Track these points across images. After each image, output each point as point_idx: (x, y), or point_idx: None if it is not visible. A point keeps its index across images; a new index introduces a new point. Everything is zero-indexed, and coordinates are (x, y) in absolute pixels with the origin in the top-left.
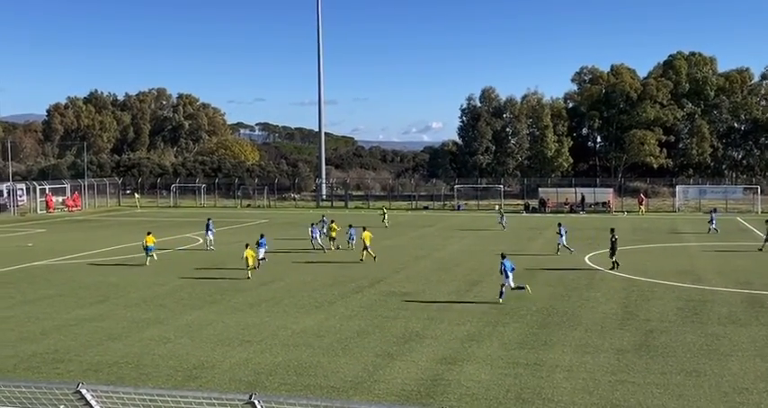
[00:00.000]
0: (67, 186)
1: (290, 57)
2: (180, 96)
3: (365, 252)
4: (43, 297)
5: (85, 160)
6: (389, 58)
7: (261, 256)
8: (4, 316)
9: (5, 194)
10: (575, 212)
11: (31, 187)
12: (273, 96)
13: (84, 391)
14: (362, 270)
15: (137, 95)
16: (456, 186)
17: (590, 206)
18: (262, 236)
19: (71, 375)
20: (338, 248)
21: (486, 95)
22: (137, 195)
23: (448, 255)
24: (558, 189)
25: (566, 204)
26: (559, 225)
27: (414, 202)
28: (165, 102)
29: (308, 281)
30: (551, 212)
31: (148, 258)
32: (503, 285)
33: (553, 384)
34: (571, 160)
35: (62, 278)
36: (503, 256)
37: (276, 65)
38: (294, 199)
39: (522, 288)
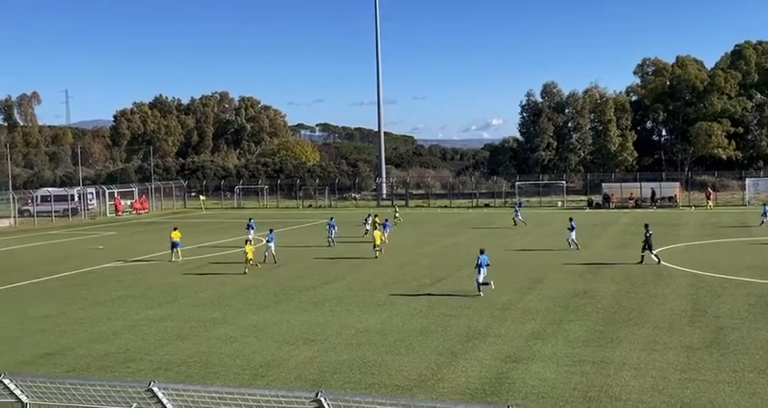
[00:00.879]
0: (135, 189)
1: (349, 58)
2: (242, 99)
3: (378, 248)
4: (114, 298)
5: (152, 164)
6: (449, 56)
7: (272, 251)
8: (77, 317)
9: (77, 198)
10: (640, 207)
11: (101, 191)
12: (333, 97)
13: (155, 389)
14: (424, 270)
15: (200, 99)
16: (517, 183)
17: (656, 201)
18: (271, 231)
19: (142, 374)
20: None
21: (548, 90)
22: (202, 197)
23: (509, 253)
24: (623, 184)
25: (630, 199)
26: (570, 220)
27: (474, 200)
28: (227, 106)
29: (370, 280)
30: (616, 208)
31: (173, 254)
32: (476, 280)
33: (621, 382)
34: (635, 154)
35: (132, 279)
36: (481, 251)
37: (335, 66)
38: (355, 198)
39: (487, 283)
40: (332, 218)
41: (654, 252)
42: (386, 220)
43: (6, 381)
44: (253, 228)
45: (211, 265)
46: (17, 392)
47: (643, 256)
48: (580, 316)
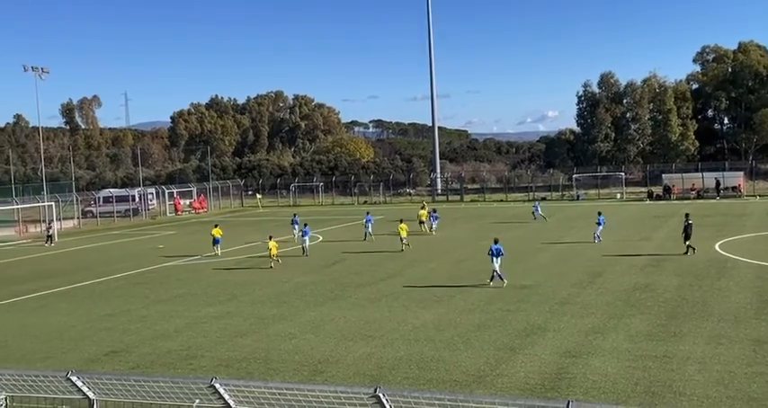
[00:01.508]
0: (194, 189)
1: (403, 54)
2: (296, 97)
3: (403, 242)
4: (175, 297)
5: (209, 163)
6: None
7: (306, 244)
8: (140, 315)
9: (137, 199)
10: (702, 198)
11: (160, 191)
12: (386, 93)
13: (217, 385)
14: (480, 265)
15: (255, 99)
16: (574, 175)
17: (720, 191)
18: (306, 225)
19: (204, 370)
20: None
21: (605, 80)
22: (258, 195)
23: (568, 247)
24: (684, 174)
25: (692, 190)
26: (599, 214)
27: (531, 193)
28: (282, 104)
29: (426, 276)
30: (677, 199)
31: (215, 249)
32: (494, 270)
33: (685, 376)
34: (697, 144)
35: (192, 277)
36: (495, 241)
37: (388, 62)
38: (409, 194)
39: (501, 276)
40: (368, 213)
41: (688, 241)
42: (434, 210)
43: (74, 378)
44: (297, 223)
45: (269, 263)
46: (84, 388)
47: (688, 245)
48: (641, 310)
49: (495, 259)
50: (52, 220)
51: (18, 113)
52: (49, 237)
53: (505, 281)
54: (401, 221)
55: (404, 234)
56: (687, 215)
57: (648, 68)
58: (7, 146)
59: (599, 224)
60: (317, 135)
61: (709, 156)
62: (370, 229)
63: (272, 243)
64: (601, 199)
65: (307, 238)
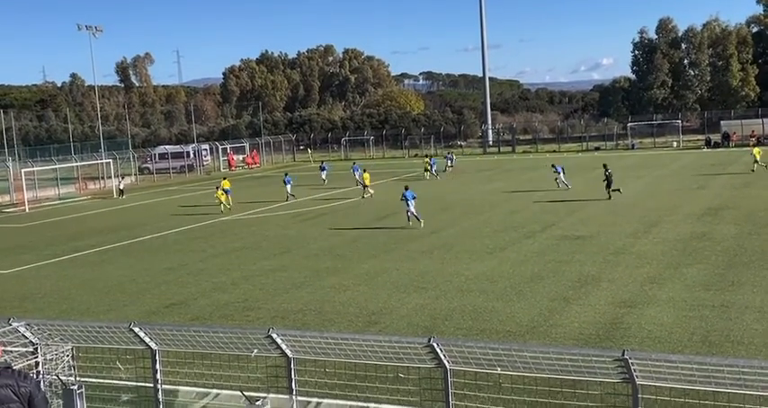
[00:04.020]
0: (246, 145)
1: (454, 3)
2: (346, 51)
3: (366, 190)
4: (231, 250)
5: (261, 119)
6: None
7: (289, 192)
8: (198, 268)
9: (192, 155)
10: (763, 144)
11: (214, 147)
12: (437, 44)
13: (274, 335)
14: (533, 215)
15: (305, 53)
16: (629, 124)
17: None
18: (286, 175)
19: (261, 321)
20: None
21: (663, 26)
22: (309, 150)
23: (622, 196)
24: (743, 121)
25: (752, 136)
26: (552, 166)
27: (584, 143)
28: (331, 58)
29: (479, 227)
30: (736, 146)
31: (225, 199)
32: (407, 211)
33: (743, 326)
34: (758, 89)
35: (247, 231)
36: (405, 188)
37: (440, 11)
38: (461, 146)
39: (418, 218)
40: (354, 163)
41: (611, 189)
42: (285, 174)
43: (136, 329)
44: (357, 170)
45: (321, 216)
46: (146, 339)
47: (612, 190)
48: (698, 260)
49: (409, 202)
50: (123, 175)
51: (74, 72)
52: (121, 191)
53: (422, 222)
54: (365, 170)
55: (368, 182)
56: (605, 165)
57: (709, 12)
58: (65, 105)
59: (557, 172)
60: (367, 88)
61: None
62: (434, 170)
63: (218, 193)
64: (656, 149)
65: (289, 187)
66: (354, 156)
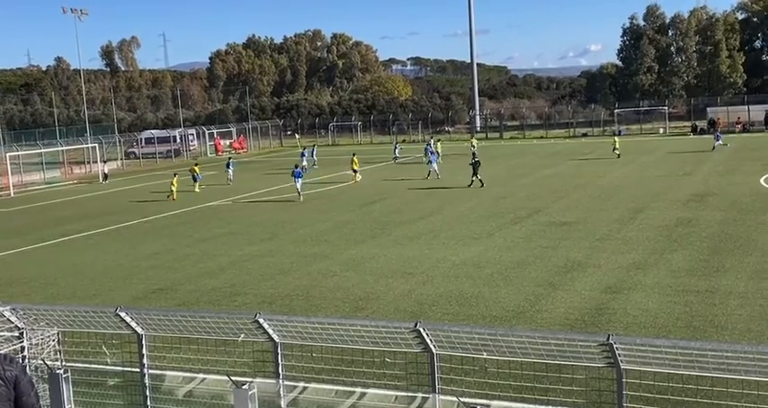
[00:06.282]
0: (233, 129)
1: None
2: (333, 36)
3: (355, 175)
4: (218, 235)
5: (248, 104)
6: None
7: (298, 186)
8: (184, 254)
9: (178, 140)
10: (748, 131)
11: (201, 132)
12: (426, 29)
13: (261, 320)
14: (520, 202)
15: (293, 37)
16: (616, 110)
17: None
18: (296, 166)
19: (248, 306)
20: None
21: (651, 13)
22: (297, 135)
23: (609, 183)
24: (729, 107)
25: (738, 123)
26: (428, 145)
27: (571, 129)
28: (319, 43)
29: (466, 214)
30: (722, 133)
31: (196, 185)
32: (297, 189)
33: (727, 311)
34: (745, 76)
35: (234, 217)
36: (295, 166)
37: None
38: (448, 132)
39: (299, 193)
40: (304, 148)
41: (477, 176)
42: (295, 166)
43: (123, 314)
44: (231, 168)
45: (309, 202)
46: (133, 324)
47: (474, 179)
48: (684, 245)
49: (296, 179)
50: (107, 160)
51: (59, 56)
52: (105, 175)
53: (302, 198)
54: (354, 155)
55: (356, 166)
56: (474, 153)
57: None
58: (50, 89)
59: (431, 162)
60: (355, 73)
61: (756, 89)
62: (397, 154)
63: (174, 180)
64: (643, 135)
65: (230, 170)
66: (342, 142)
